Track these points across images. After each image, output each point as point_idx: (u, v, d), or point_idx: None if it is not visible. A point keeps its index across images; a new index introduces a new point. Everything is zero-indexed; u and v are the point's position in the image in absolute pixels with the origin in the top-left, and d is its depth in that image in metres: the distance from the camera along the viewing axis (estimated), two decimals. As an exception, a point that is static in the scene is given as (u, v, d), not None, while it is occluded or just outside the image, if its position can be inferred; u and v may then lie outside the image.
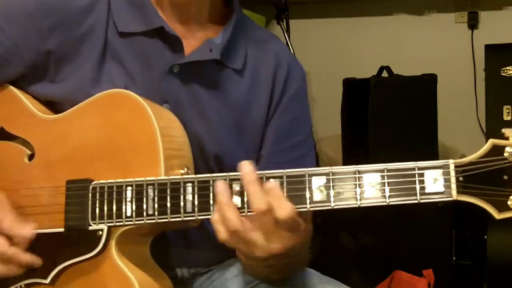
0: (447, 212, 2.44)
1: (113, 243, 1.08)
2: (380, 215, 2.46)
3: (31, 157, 1.18)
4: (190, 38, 1.25)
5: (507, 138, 0.94)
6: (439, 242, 2.45)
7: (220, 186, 1.01)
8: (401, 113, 2.70)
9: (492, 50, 2.77)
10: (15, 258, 1.08)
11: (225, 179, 1.03)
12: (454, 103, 3.04)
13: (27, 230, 1.09)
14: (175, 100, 1.22)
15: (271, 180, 1.01)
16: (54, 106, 1.22)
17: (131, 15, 1.22)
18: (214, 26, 1.29)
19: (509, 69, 2.68)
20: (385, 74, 2.88)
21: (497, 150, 0.93)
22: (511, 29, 2.97)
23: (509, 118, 2.65)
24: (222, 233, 1.00)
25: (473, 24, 3.13)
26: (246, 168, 1.00)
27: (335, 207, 0.98)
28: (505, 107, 2.67)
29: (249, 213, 1.01)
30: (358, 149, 2.76)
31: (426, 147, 2.65)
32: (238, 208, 1.01)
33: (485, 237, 2.33)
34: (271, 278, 1.22)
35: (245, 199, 1.01)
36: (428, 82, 2.73)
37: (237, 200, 1.02)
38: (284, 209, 0.97)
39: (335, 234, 2.62)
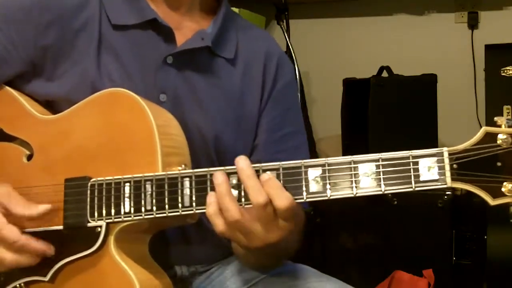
0: (447, 212, 2.43)
1: (111, 240, 1.08)
2: (380, 215, 2.47)
3: (29, 157, 1.18)
4: (182, 29, 1.27)
5: (499, 126, 0.95)
6: (439, 242, 2.45)
7: (219, 178, 1.01)
8: (401, 113, 2.70)
9: (492, 50, 2.77)
10: (28, 245, 1.08)
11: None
12: (454, 103, 3.04)
13: (41, 207, 1.09)
14: (172, 90, 1.24)
15: (267, 172, 1.01)
16: (53, 106, 1.22)
17: (123, 8, 1.24)
18: (205, 18, 1.32)
19: (509, 69, 2.68)
20: (385, 74, 2.89)
21: (490, 137, 0.94)
22: (511, 29, 2.97)
23: (509, 118, 2.65)
24: (219, 225, 1.00)
25: (473, 24, 3.13)
26: (242, 163, 1.01)
27: (331, 197, 0.99)
28: (505, 107, 2.67)
29: (246, 206, 1.01)
30: (358, 149, 2.76)
31: (426, 147, 2.64)
32: None
33: (485, 237, 2.33)
34: (263, 265, 1.24)
35: (243, 192, 1.02)
36: (428, 82, 2.73)
37: (234, 193, 1.02)
38: (284, 198, 0.98)
39: (335, 234, 2.62)
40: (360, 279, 2.48)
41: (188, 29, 1.28)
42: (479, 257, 2.38)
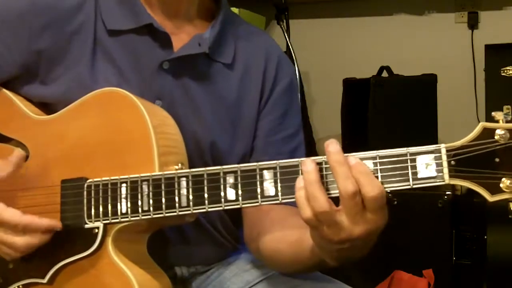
0: (447, 212, 2.43)
1: (109, 241, 1.08)
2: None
3: (26, 159, 1.17)
4: (179, 34, 1.25)
5: (497, 121, 0.93)
6: (439, 242, 2.44)
7: (309, 165, 0.96)
8: (401, 113, 2.71)
9: (492, 50, 2.77)
10: (32, 224, 1.07)
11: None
12: (454, 103, 3.04)
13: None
14: (167, 96, 1.22)
15: (352, 156, 0.96)
16: (47, 107, 1.21)
17: (119, 12, 1.22)
18: (202, 22, 1.30)
19: (509, 69, 2.68)
20: (385, 74, 2.89)
21: (488, 133, 0.93)
22: (511, 29, 2.98)
23: (509, 118, 2.65)
24: (306, 212, 0.95)
25: (473, 24, 3.13)
26: (332, 147, 0.95)
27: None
28: (505, 107, 2.65)
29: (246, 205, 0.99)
30: (358, 149, 2.74)
31: (426, 147, 2.65)
32: (232, 201, 1.01)
33: (485, 237, 2.33)
34: (321, 266, 1.13)
35: (239, 191, 1.01)
36: (428, 82, 2.74)
37: (231, 192, 1.01)
38: (374, 186, 0.93)
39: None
40: (360, 279, 2.48)
41: (185, 33, 1.26)
42: (479, 257, 2.38)
